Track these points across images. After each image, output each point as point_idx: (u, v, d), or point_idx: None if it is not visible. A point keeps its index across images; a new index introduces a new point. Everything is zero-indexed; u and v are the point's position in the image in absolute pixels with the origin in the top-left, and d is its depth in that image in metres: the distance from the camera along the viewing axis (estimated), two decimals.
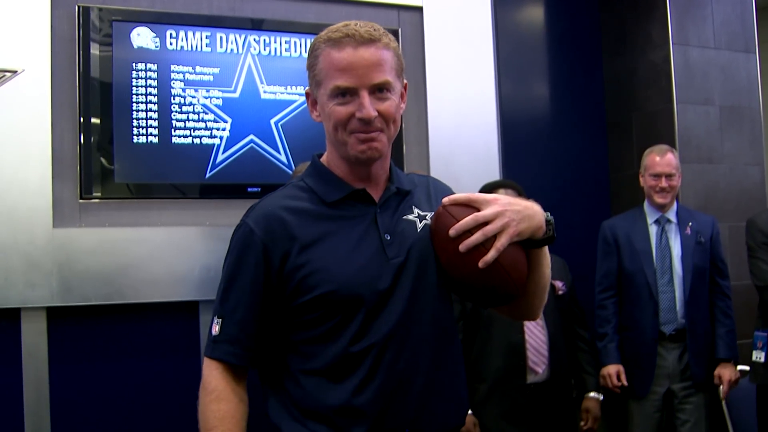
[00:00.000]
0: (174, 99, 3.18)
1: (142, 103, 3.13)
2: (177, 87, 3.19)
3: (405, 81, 1.57)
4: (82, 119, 3.05)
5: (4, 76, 2.92)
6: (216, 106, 3.25)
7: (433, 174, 3.17)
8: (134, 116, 3.12)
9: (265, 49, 3.35)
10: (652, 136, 4.05)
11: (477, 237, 1.42)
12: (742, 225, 3.37)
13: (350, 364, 1.45)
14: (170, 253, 3.12)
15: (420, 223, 1.55)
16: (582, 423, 3.21)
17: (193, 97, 3.21)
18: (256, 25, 3.35)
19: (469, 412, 2.88)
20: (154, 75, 3.16)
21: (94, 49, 3.08)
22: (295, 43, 3.40)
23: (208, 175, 3.23)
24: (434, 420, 1.50)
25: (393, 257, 1.48)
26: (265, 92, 3.34)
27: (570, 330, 3.19)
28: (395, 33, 3.50)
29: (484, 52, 3.70)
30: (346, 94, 1.45)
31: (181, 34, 3.22)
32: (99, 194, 3.07)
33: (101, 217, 3.08)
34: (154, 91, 3.15)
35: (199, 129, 3.22)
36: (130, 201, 3.13)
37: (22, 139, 2.93)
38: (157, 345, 3.19)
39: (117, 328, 3.12)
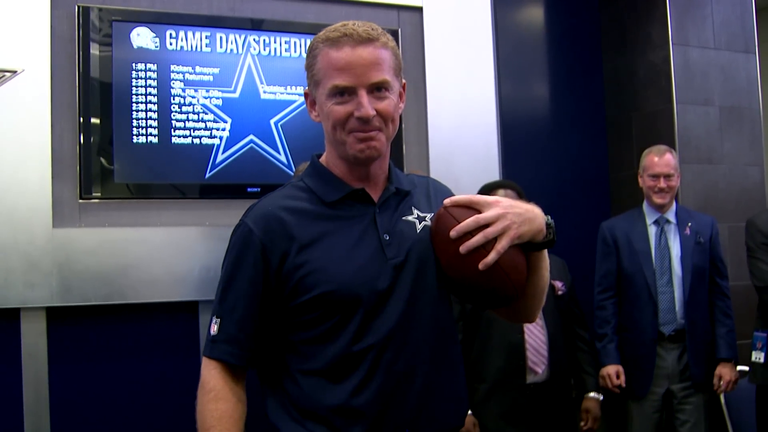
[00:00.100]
0: (174, 99, 3.19)
1: (141, 103, 3.13)
2: (177, 87, 3.19)
3: (404, 80, 1.57)
4: (81, 119, 3.05)
5: (3, 76, 2.93)
6: (216, 106, 3.25)
7: (432, 174, 3.18)
8: (134, 116, 3.12)
9: (264, 50, 3.35)
10: (651, 137, 4.05)
11: (478, 239, 1.43)
12: (742, 225, 3.37)
13: (349, 365, 1.45)
14: (170, 253, 3.12)
15: (419, 224, 1.55)
16: (582, 423, 3.21)
17: (193, 97, 3.21)
18: (256, 25, 3.35)
19: (469, 412, 2.88)
20: (154, 75, 3.16)
21: (94, 49, 3.08)
22: (294, 43, 3.40)
23: (207, 175, 3.23)
24: (433, 420, 1.50)
25: (392, 257, 1.48)
26: (264, 92, 3.34)
27: (570, 330, 3.19)
28: (395, 33, 3.50)
29: (483, 52, 3.70)
30: (344, 93, 1.45)
31: (181, 34, 3.22)
32: (99, 194, 3.07)
33: (101, 217, 3.08)
34: (154, 91, 3.15)
35: (199, 129, 3.22)
36: (129, 201, 3.13)
37: (21, 139, 2.93)
38: (157, 345, 3.19)
39: (117, 328, 3.12)
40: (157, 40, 3.18)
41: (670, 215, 3.41)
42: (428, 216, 1.57)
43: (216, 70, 3.26)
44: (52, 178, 2.98)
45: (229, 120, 3.26)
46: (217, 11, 3.33)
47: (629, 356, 3.34)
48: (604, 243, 3.46)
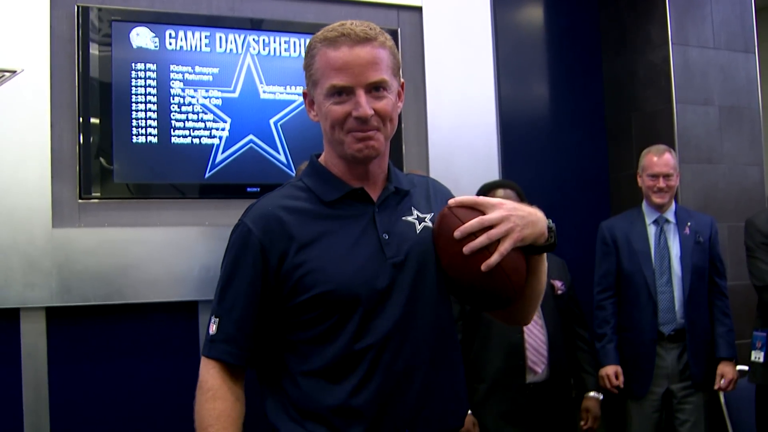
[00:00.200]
0: (173, 99, 3.19)
1: (141, 103, 3.14)
2: (176, 87, 3.19)
3: (402, 80, 1.57)
4: (81, 119, 3.05)
5: (3, 76, 2.93)
6: (215, 106, 3.25)
7: (432, 174, 3.18)
8: (133, 116, 3.12)
9: (264, 49, 3.35)
10: (651, 136, 4.05)
11: (481, 240, 1.43)
12: (742, 225, 3.37)
13: (348, 365, 1.44)
14: (169, 253, 3.12)
15: (419, 225, 1.55)
16: (582, 422, 3.21)
17: (193, 97, 3.21)
18: (256, 25, 3.36)
19: (469, 412, 2.88)
20: (154, 75, 3.16)
21: (94, 49, 3.08)
22: (294, 43, 3.40)
23: (207, 175, 3.23)
24: (433, 421, 1.50)
25: (391, 257, 1.48)
26: (264, 92, 3.34)
27: (569, 330, 3.19)
28: (394, 33, 3.50)
29: (483, 52, 3.70)
30: (342, 93, 1.45)
31: (181, 34, 3.22)
32: (98, 194, 3.07)
33: (100, 217, 3.08)
34: (154, 91, 3.16)
35: (199, 129, 3.22)
36: (129, 201, 3.14)
37: (21, 139, 2.93)
38: (157, 345, 3.19)
39: (116, 328, 3.12)
40: (157, 40, 3.18)
41: (670, 215, 3.41)
42: (428, 217, 1.57)
43: (215, 70, 3.26)
44: (52, 178, 2.98)
45: (229, 120, 3.27)
46: (216, 11, 3.33)
47: (629, 356, 3.34)
48: (603, 243, 3.46)
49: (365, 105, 1.44)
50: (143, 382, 3.15)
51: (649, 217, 3.42)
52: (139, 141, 3.13)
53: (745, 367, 3.32)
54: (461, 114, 3.62)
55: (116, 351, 3.13)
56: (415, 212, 1.57)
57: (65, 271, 2.96)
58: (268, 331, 1.50)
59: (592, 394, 3.22)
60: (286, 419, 1.48)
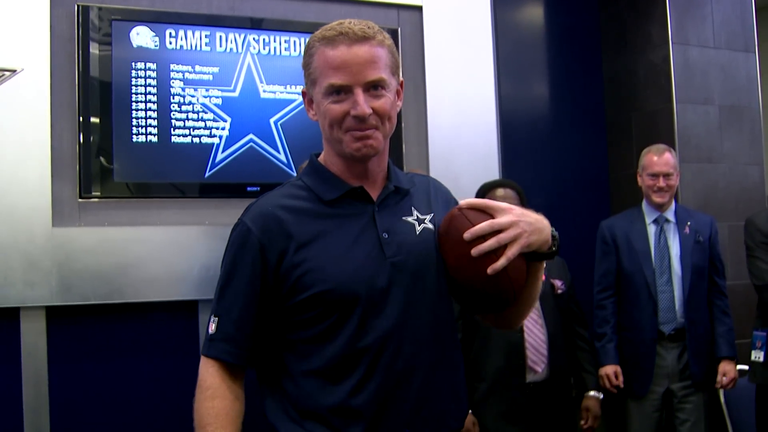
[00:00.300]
0: (173, 98, 3.18)
1: (141, 102, 3.13)
2: (176, 86, 3.19)
3: (401, 78, 1.57)
4: (81, 118, 3.05)
5: (3, 75, 2.93)
6: (215, 105, 3.25)
7: (432, 173, 3.18)
8: (133, 115, 3.12)
9: (264, 49, 3.35)
10: (651, 136, 4.05)
11: (491, 243, 1.44)
12: (742, 224, 3.37)
13: (347, 364, 1.45)
14: (170, 252, 3.12)
15: (419, 226, 1.55)
16: (582, 422, 3.21)
17: (193, 96, 3.21)
18: (256, 24, 3.35)
19: (469, 411, 2.88)
20: (154, 74, 3.16)
21: (94, 49, 3.08)
22: (294, 42, 3.40)
23: (207, 174, 3.23)
24: (432, 421, 1.50)
25: (391, 256, 1.48)
26: (264, 91, 3.34)
27: (569, 329, 3.19)
28: (395, 32, 3.50)
29: (483, 51, 3.70)
30: (340, 92, 1.46)
31: (181, 33, 3.22)
32: (98, 193, 3.07)
33: (100, 216, 3.08)
34: (154, 90, 3.15)
35: (199, 128, 3.22)
36: (129, 200, 3.13)
37: (21, 138, 2.93)
38: (157, 344, 3.19)
39: (116, 327, 3.12)
40: (157, 39, 3.18)
41: (670, 214, 3.41)
42: (427, 218, 1.57)
43: (216, 69, 3.26)
44: (52, 177, 2.98)
45: (229, 119, 3.26)
46: (216, 10, 3.33)
47: (629, 355, 3.34)
48: (603, 242, 3.46)
49: (363, 104, 1.44)
50: (143, 381, 3.15)
51: (649, 217, 3.42)
52: (139, 140, 3.13)
53: (745, 367, 3.32)
54: (461, 113, 3.62)
55: (116, 350, 3.13)
56: (415, 213, 1.57)
57: (65, 271, 2.96)
58: (267, 331, 1.50)
59: (592, 393, 3.22)
60: (285, 419, 1.48)
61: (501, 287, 1.48)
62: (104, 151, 3.08)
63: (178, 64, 3.20)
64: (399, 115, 1.55)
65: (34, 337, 2.95)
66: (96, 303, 3.02)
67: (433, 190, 1.67)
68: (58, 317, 3.00)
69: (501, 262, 1.44)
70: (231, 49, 3.29)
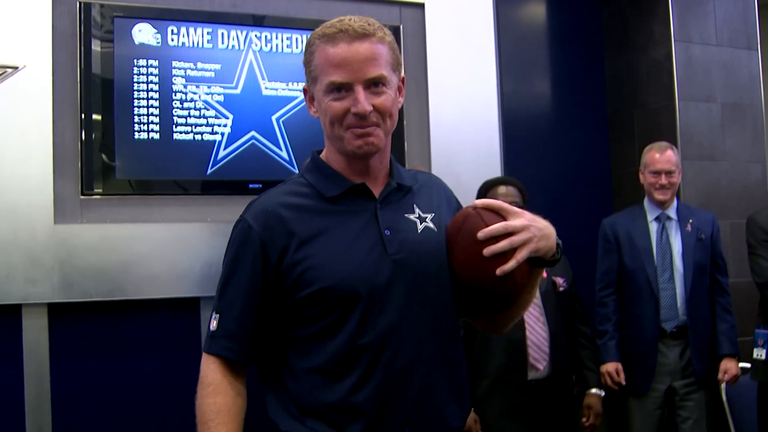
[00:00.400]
0: (175, 95, 3.18)
1: (143, 99, 3.13)
2: (178, 83, 3.19)
3: (402, 75, 1.56)
4: (83, 115, 3.05)
5: (5, 72, 2.93)
6: (217, 102, 3.25)
7: (434, 171, 3.18)
8: (135, 112, 3.12)
9: (266, 46, 3.35)
10: (653, 134, 4.04)
11: (503, 245, 1.45)
12: (744, 222, 3.36)
13: (348, 362, 1.44)
14: (171, 249, 3.12)
15: (420, 224, 1.55)
16: (584, 419, 3.21)
17: (195, 93, 3.21)
18: (258, 21, 3.35)
19: (471, 409, 2.88)
20: (156, 71, 3.16)
21: (96, 46, 3.08)
22: (296, 39, 3.40)
23: (209, 171, 3.23)
24: (433, 420, 1.50)
25: (393, 253, 1.48)
26: (266, 88, 3.33)
27: (571, 326, 3.19)
28: (396, 29, 3.50)
29: (485, 49, 3.69)
30: (341, 89, 1.45)
31: (183, 30, 3.22)
32: (100, 190, 3.07)
33: (102, 213, 3.08)
34: (156, 87, 3.15)
35: (201, 125, 3.22)
36: (131, 197, 3.14)
37: (23, 135, 2.93)
38: (159, 341, 3.19)
39: (118, 324, 3.13)
40: (159, 36, 3.18)
41: (671, 212, 3.41)
42: (428, 217, 1.57)
43: (218, 66, 3.26)
44: (54, 174, 2.98)
45: (231, 116, 3.26)
46: (218, 7, 3.32)
47: (631, 353, 3.34)
48: (605, 240, 3.45)
49: (364, 101, 1.44)
50: (145, 378, 3.15)
51: (650, 214, 3.42)
52: (141, 137, 3.13)
53: (747, 365, 3.31)
54: (463, 111, 3.61)
55: (118, 347, 3.13)
56: (417, 210, 1.57)
57: (67, 267, 2.96)
58: (269, 328, 1.50)
59: (593, 390, 3.22)
60: (286, 416, 1.48)
61: (505, 289, 1.49)
62: (106, 148, 3.08)
63: (180, 61, 3.20)
64: (401, 112, 1.55)
65: (35, 334, 2.95)
66: (98, 300, 3.03)
67: (436, 188, 1.67)
68: (59, 314, 3.00)
69: (511, 264, 1.45)
70: (233, 46, 3.29)
